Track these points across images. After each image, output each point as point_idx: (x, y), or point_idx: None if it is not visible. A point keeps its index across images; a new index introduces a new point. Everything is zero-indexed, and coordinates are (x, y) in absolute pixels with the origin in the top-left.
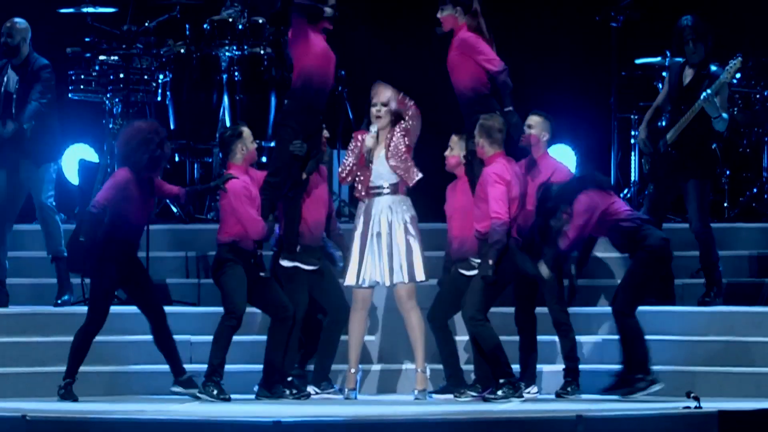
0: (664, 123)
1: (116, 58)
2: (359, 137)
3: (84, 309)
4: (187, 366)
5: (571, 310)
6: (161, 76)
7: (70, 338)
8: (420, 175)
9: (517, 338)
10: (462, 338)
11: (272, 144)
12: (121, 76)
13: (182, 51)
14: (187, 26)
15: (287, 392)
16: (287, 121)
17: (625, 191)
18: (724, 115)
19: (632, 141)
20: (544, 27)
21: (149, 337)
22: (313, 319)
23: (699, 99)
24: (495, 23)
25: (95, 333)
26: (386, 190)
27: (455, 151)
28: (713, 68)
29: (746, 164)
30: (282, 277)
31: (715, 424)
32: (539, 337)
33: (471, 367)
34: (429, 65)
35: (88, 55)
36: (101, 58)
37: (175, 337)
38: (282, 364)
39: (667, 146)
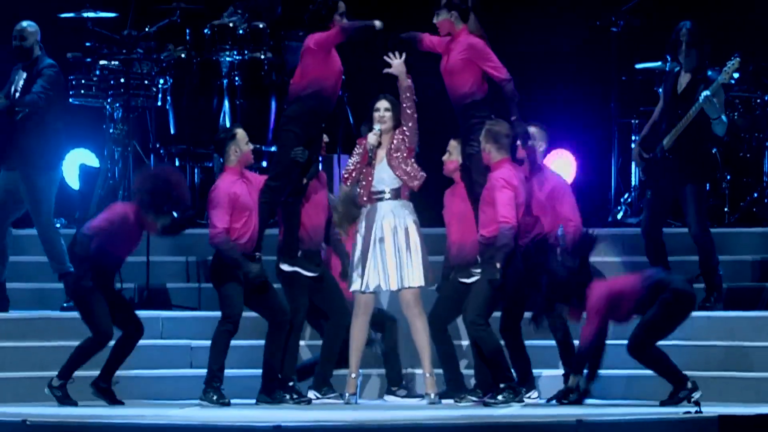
0: (663, 126)
1: (117, 62)
2: (363, 142)
3: None
4: (187, 371)
5: None
6: (162, 81)
7: (71, 343)
8: (423, 177)
9: (535, 342)
10: (463, 342)
11: (273, 148)
12: (122, 80)
13: (183, 56)
14: (187, 31)
15: (288, 397)
16: (290, 126)
17: (626, 196)
18: (723, 117)
19: (632, 146)
20: (544, 32)
21: (149, 342)
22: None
23: (696, 103)
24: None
25: (100, 347)
26: (388, 195)
27: (453, 156)
28: (709, 73)
29: (746, 169)
30: (282, 282)
31: (715, 429)
32: (539, 342)
33: (471, 371)
34: (427, 70)
35: (88, 59)
36: (102, 62)
37: (176, 341)
38: (281, 368)
39: (665, 152)
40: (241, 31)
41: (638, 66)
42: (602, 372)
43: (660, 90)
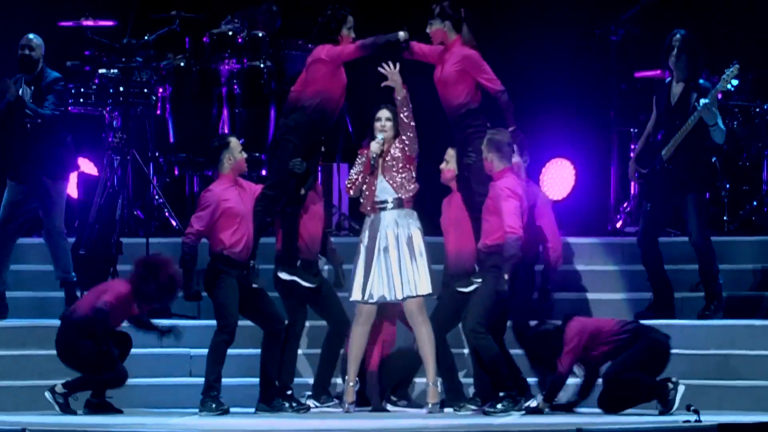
0: (659, 137)
1: (116, 71)
2: (365, 152)
3: None
4: (186, 379)
5: None
6: (161, 90)
7: None
8: (415, 188)
9: (521, 351)
10: (463, 351)
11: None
12: (121, 89)
13: (182, 64)
14: (186, 40)
15: (287, 405)
16: (290, 137)
17: (625, 205)
18: (721, 124)
19: (632, 155)
20: (543, 41)
21: (149, 351)
22: None
23: (693, 112)
24: (495, 37)
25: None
26: (391, 205)
27: (451, 165)
28: (701, 81)
29: (746, 178)
30: (280, 291)
31: None
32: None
33: (471, 380)
34: (425, 78)
35: (87, 68)
36: (101, 71)
37: (175, 350)
38: (278, 376)
39: (663, 163)
40: (240, 40)
41: (638, 75)
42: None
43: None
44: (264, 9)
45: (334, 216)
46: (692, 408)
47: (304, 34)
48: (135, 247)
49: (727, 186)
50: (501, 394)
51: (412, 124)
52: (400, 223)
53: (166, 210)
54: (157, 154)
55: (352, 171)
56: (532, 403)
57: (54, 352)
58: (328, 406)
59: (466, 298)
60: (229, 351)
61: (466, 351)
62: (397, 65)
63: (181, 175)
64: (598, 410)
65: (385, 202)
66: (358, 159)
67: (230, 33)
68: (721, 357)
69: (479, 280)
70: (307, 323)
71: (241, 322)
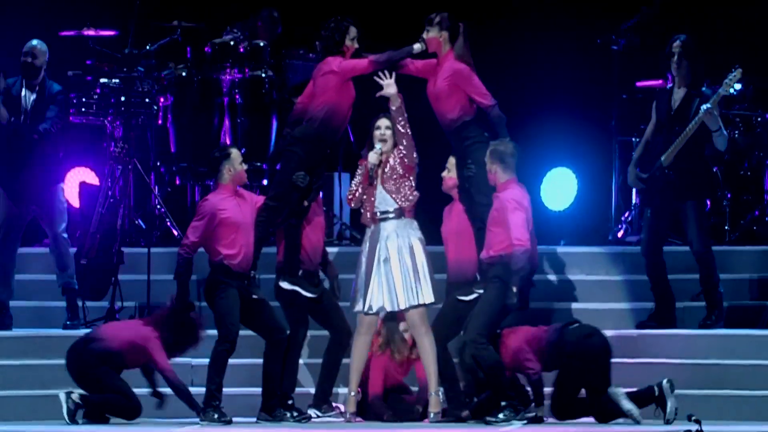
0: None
1: (117, 81)
2: (365, 163)
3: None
4: (188, 388)
5: None
6: (162, 99)
7: None
8: (413, 198)
9: None
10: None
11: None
12: (123, 99)
13: (183, 74)
14: (188, 49)
15: (288, 415)
16: (295, 148)
17: (626, 214)
18: (723, 130)
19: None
20: (545, 50)
21: None
22: None
23: (694, 118)
24: (496, 47)
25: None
26: (392, 215)
27: (452, 173)
28: (703, 88)
29: (747, 187)
30: (281, 301)
31: None
32: None
33: None
34: (425, 85)
35: (89, 78)
36: (102, 81)
37: (176, 359)
38: (280, 385)
39: (663, 169)
40: (241, 50)
41: (639, 84)
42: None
43: (653, 107)
44: (265, 15)
45: (336, 226)
46: (693, 418)
47: (305, 43)
48: (136, 257)
49: (729, 195)
50: (503, 403)
51: (408, 133)
52: (400, 233)
53: (167, 219)
54: (158, 164)
55: (352, 182)
56: (530, 414)
57: (57, 361)
58: (330, 416)
59: (467, 306)
60: (231, 360)
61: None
62: (393, 75)
63: (182, 185)
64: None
65: (386, 212)
66: (358, 170)
67: (232, 42)
68: (722, 367)
69: (481, 290)
70: (309, 333)
71: (242, 332)
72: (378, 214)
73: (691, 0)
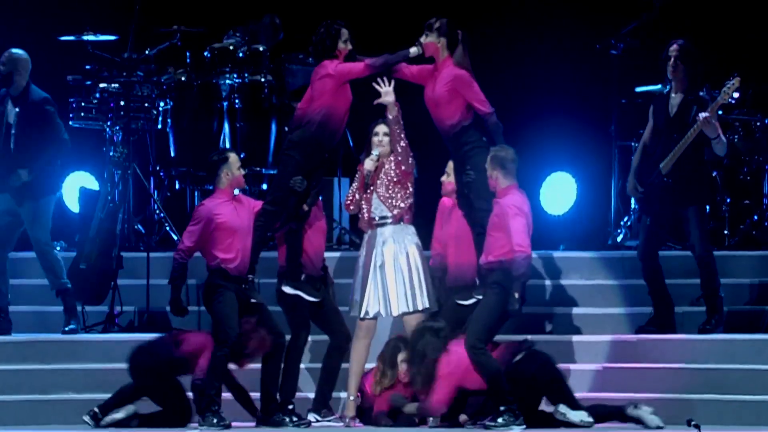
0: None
1: (117, 85)
2: (362, 168)
3: (86, 336)
4: (188, 394)
5: (572, 338)
6: (162, 104)
7: (72, 366)
8: (404, 206)
9: None
10: None
11: (273, 171)
12: (122, 103)
13: (183, 78)
14: (187, 54)
15: (288, 420)
16: (292, 152)
17: (626, 219)
18: (722, 136)
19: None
20: (544, 55)
21: None
22: None
23: (692, 124)
24: (495, 52)
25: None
26: (389, 220)
27: (451, 177)
28: (701, 93)
29: (746, 192)
30: (283, 305)
31: None
32: None
33: None
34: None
35: (88, 82)
36: (102, 85)
37: None
38: (279, 390)
39: (662, 176)
40: (241, 54)
41: (638, 89)
42: (604, 395)
43: (650, 111)
44: (266, 22)
45: (335, 230)
46: (693, 423)
47: (305, 48)
48: (136, 262)
49: (728, 200)
50: (502, 408)
51: (403, 143)
52: (396, 239)
53: (166, 224)
54: (158, 169)
55: (350, 187)
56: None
57: (56, 366)
58: (329, 421)
59: (466, 310)
60: (230, 365)
61: None
62: (392, 82)
63: (181, 190)
64: (601, 426)
65: (383, 218)
66: (356, 175)
67: (231, 47)
68: (721, 371)
69: (480, 296)
70: (309, 338)
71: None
72: (375, 219)
73: (690, 5)
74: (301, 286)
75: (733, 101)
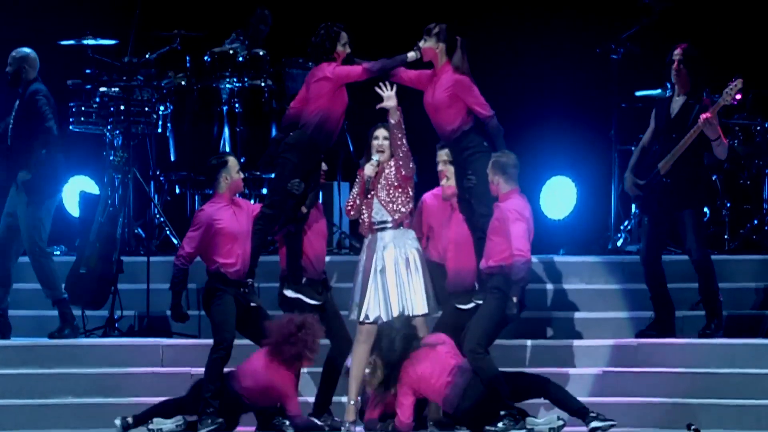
0: (657, 150)
1: (117, 90)
2: (362, 173)
3: (86, 341)
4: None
5: (572, 342)
6: (162, 108)
7: (72, 370)
8: (405, 210)
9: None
10: None
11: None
12: (122, 107)
13: (183, 83)
14: (187, 58)
15: (287, 423)
16: (289, 155)
17: (626, 223)
18: (723, 139)
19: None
20: (545, 59)
21: (149, 369)
22: None
23: (693, 126)
24: (495, 56)
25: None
26: (389, 225)
27: (452, 181)
28: (704, 96)
29: (746, 196)
30: (284, 309)
31: None
32: (543, 369)
33: None
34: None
35: (88, 87)
36: (102, 89)
37: (175, 369)
38: None
39: (660, 176)
40: (241, 59)
41: (638, 93)
42: (604, 399)
43: (652, 115)
44: (257, 13)
45: (335, 235)
46: (693, 427)
47: (305, 52)
48: (136, 266)
49: (728, 204)
50: (502, 413)
51: (404, 148)
52: (397, 243)
53: (166, 228)
54: (158, 173)
55: (351, 192)
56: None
57: (55, 371)
58: (329, 425)
59: (466, 315)
60: (227, 369)
61: None
62: (394, 87)
63: (181, 194)
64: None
65: (383, 222)
66: (356, 180)
67: (231, 52)
68: (721, 376)
69: (480, 300)
70: None
71: (240, 341)
72: (376, 224)
73: (690, 9)
74: (302, 289)
75: (736, 103)
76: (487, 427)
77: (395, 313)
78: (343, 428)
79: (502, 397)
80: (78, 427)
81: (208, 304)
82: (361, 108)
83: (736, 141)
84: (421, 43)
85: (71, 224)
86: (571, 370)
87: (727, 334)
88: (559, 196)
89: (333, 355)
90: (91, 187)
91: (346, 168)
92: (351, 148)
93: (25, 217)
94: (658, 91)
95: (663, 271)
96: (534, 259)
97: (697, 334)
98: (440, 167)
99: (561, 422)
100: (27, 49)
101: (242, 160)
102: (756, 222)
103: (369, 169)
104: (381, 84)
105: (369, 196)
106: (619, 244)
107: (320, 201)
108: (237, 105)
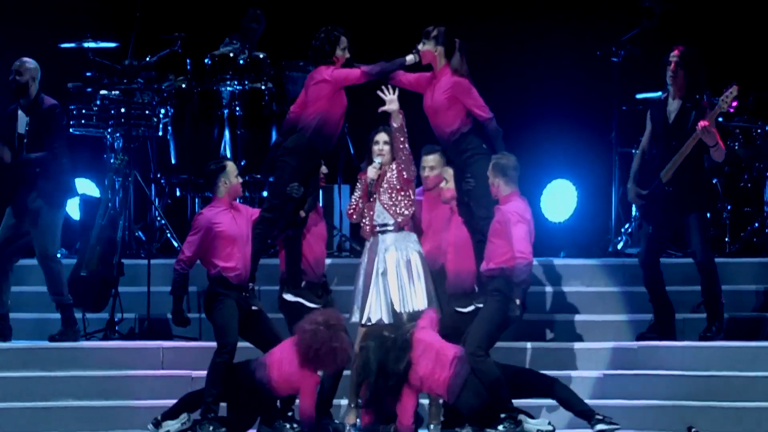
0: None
1: (117, 92)
2: (364, 177)
3: (87, 343)
4: None
5: (572, 345)
6: (162, 111)
7: (72, 373)
8: (408, 213)
9: None
10: None
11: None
12: (123, 110)
13: (183, 86)
14: (188, 61)
15: (288, 426)
16: (288, 159)
17: (627, 226)
18: (721, 144)
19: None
20: (545, 62)
21: (150, 372)
22: None
23: (691, 132)
24: (496, 58)
25: None
26: (391, 228)
27: (450, 184)
28: (699, 97)
29: (747, 199)
30: (285, 312)
31: None
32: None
33: None
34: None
35: (89, 89)
36: (102, 92)
37: (176, 372)
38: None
39: (663, 185)
40: (241, 62)
41: (639, 96)
42: (605, 402)
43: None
44: (249, 13)
45: (336, 238)
46: (693, 430)
47: (305, 55)
48: (136, 269)
49: (729, 207)
50: (502, 415)
51: (407, 152)
52: (398, 246)
53: (167, 231)
54: (158, 176)
55: (352, 196)
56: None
57: (56, 373)
58: (333, 428)
59: (465, 317)
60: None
61: None
62: (396, 91)
63: (182, 197)
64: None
65: (385, 225)
66: (358, 184)
67: (231, 55)
68: (722, 378)
69: (480, 303)
70: None
71: (241, 344)
72: (377, 226)
73: (691, 12)
74: (302, 293)
75: (732, 110)
76: (488, 430)
77: (393, 317)
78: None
79: (503, 400)
80: (79, 429)
81: (209, 308)
82: (362, 111)
83: (736, 144)
84: (420, 46)
85: (72, 227)
86: (571, 373)
87: (727, 337)
88: (560, 199)
89: None
90: (92, 190)
91: (347, 171)
92: (351, 151)
93: (41, 223)
94: (659, 93)
95: (661, 274)
96: (534, 261)
97: (697, 337)
98: (426, 173)
99: (550, 427)
100: (32, 60)
101: (242, 163)
102: (756, 225)
103: (371, 172)
104: (383, 87)
105: (371, 199)
106: (619, 247)
107: (320, 204)
108: (237, 108)
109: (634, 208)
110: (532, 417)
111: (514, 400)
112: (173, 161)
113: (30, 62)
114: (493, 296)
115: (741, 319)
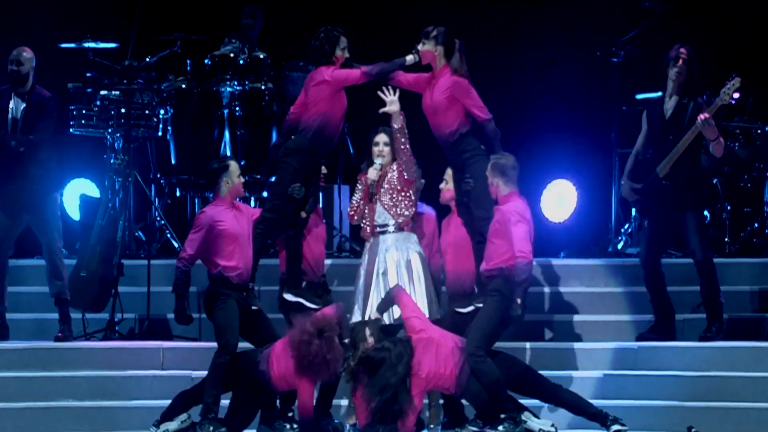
0: (652, 153)
1: (117, 93)
2: (364, 178)
3: (86, 343)
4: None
5: (572, 345)
6: (162, 111)
7: (72, 373)
8: (408, 214)
9: None
10: None
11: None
12: (123, 111)
13: (183, 86)
14: (188, 61)
15: (288, 427)
16: (289, 159)
17: (626, 226)
18: (720, 138)
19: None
20: (545, 62)
21: (150, 372)
22: None
23: (689, 127)
24: (496, 59)
25: None
26: (391, 228)
27: (450, 184)
28: (699, 99)
29: (747, 199)
30: (285, 313)
31: None
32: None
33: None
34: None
35: (89, 90)
36: (102, 93)
37: (176, 372)
38: (279, 397)
39: (659, 179)
40: (241, 62)
41: (639, 96)
42: (605, 402)
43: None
44: (245, 11)
45: (335, 238)
46: (694, 430)
47: (305, 55)
48: (136, 269)
49: (729, 207)
50: (502, 416)
51: (407, 152)
52: (399, 247)
53: (167, 232)
54: (158, 176)
55: (353, 198)
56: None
57: (55, 373)
58: (332, 428)
59: (465, 318)
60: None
61: None
62: (397, 92)
63: (182, 197)
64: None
65: (385, 225)
66: (358, 185)
67: (231, 55)
68: (722, 379)
69: (480, 304)
70: None
71: (241, 344)
72: (378, 227)
73: (691, 12)
74: (302, 293)
75: (734, 102)
76: (487, 430)
77: (396, 317)
78: (344, 431)
79: (503, 400)
80: (79, 429)
81: (210, 308)
82: (362, 111)
83: (736, 144)
84: (420, 46)
85: (72, 228)
86: (571, 373)
87: (727, 337)
88: (560, 199)
89: None
90: (92, 190)
91: (347, 171)
92: (351, 151)
93: (44, 214)
94: (659, 94)
95: (662, 274)
96: (534, 261)
97: (697, 338)
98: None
99: (553, 429)
100: (30, 51)
101: (242, 163)
102: (756, 225)
103: (372, 173)
104: (384, 88)
105: (373, 199)
106: (619, 247)
107: (320, 205)
108: (237, 108)
109: (633, 209)
110: (536, 416)
111: (518, 398)
112: (173, 161)
113: (28, 51)
114: (492, 296)
115: (741, 320)
